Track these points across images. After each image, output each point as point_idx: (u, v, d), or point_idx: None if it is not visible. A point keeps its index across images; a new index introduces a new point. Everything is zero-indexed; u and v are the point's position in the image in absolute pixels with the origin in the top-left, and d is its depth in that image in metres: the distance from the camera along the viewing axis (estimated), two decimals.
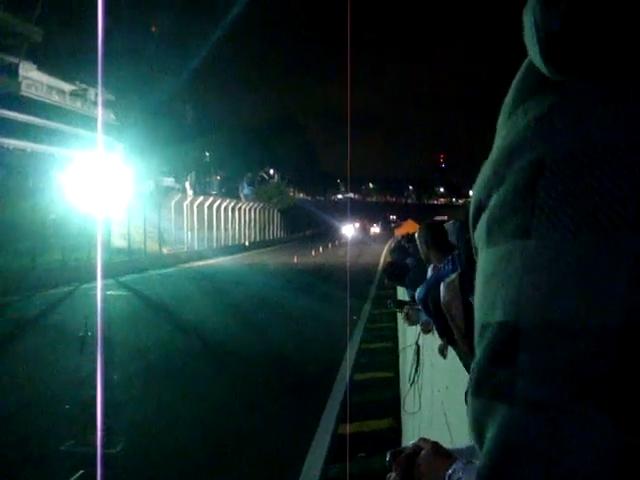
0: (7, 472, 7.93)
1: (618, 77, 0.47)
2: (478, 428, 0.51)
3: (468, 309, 2.50)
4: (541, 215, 0.47)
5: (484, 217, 0.54)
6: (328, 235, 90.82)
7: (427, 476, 1.38)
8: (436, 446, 1.43)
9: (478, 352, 0.52)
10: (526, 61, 0.55)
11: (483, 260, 0.53)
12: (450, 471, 1.33)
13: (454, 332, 2.73)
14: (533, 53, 0.51)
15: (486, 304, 0.51)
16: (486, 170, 0.55)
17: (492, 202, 0.53)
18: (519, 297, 0.47)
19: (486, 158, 0.56)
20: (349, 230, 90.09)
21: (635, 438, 0.43)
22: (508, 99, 0.57)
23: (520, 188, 0.50)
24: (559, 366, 0.45)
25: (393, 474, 1.44)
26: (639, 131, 0.46)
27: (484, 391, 0.50)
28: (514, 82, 0.57)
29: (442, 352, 3.90)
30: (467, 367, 2.83)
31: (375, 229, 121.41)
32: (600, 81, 0.48)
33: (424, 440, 1.46)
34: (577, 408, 0.44)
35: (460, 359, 3.26)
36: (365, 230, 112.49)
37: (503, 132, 0.55)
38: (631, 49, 0.46)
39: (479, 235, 0.55)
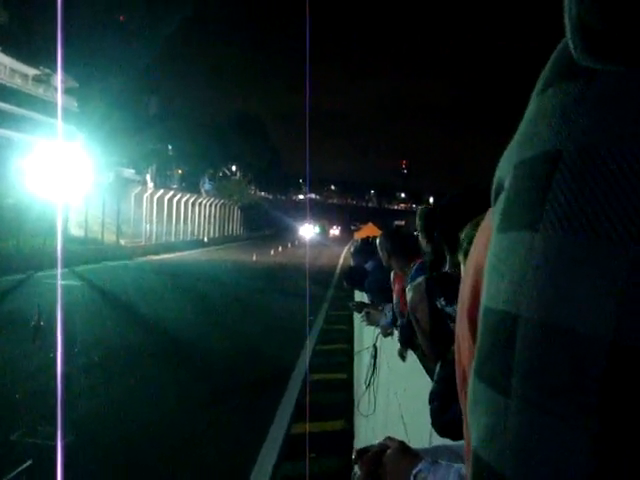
0: None
1: None
2: (473, 407, 0.51)
3: (434, 313, 2.54)
4: (551, 210, 0.46)
5: (501, 199, 0.53)
6: (288, 234, 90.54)
7: (393, 475, 1.41)
8: (402, 445, 1.46)
9: (480, 333, 0.51)
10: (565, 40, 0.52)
11: (493, 244, 0.52)
12: (416, 470, 1.36)
13: (419, 336, 2.77)
14: (567, 35, 0.49)
15: (492, 288, 0.50)
16: (512, 145, 0.54)
17: (507, 184, 0.52)
18: (520, 290, 0.47)
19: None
20: (308, 231, 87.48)
21: (611, 454, 0.42)
22: (545, 72, 0.54)
23: (535, 177, 0.48)
24: (551, 366, 0.45)
25: (358, 472, 1.47)
26: None
27: (484, 375, 0.50)
28: (552, 56, 0.54)
29: (402, 355, 3.94)
30: (428, 370, 2.88)
31: (335, 231, 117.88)
32: (633, 73, 0.46)
33: (391, 439, 1.49)
34: (563, 411, 0.44)
35: (420, 361, 3.30)
36: (325, 232, 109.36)
37: (532, 107, 0.53)
38: None
39: (494, 216, 0.54)
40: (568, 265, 0.45)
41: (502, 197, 0.53)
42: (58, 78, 49.46)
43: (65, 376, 11.02)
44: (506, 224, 0.51)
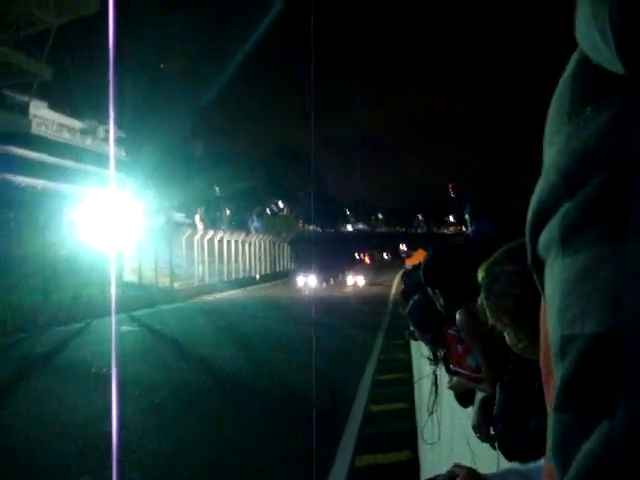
0: None
1: None
2: (565, 443, 0.48)
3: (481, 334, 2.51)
4: (636, 216, 0.45)
5: (554, 226, 0.51)
6: (338, 267, 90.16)
7: None
8: (472, 472, 1.41)
9: (562, 367, 0.49)
10: (578, 56, 0.52)
11: (560, 270, 0.50)
12: None
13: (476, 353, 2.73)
14: (601, 52, 0.48)
15: (570, 315, 0.48)
16: (549, 177, 0.53)
17: (566, 209, 0.50)
18: (618, 304, 0.44)
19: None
20: (310, 281, 56.74)
21: None
22: (563, 99, 0.53)
23: (608, 190, 0.47)
24: None
25: None
26: None
27: (575, 406, 0.47)
28: (567, 78, 0.53)
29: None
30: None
31: (357, 278, 65.01)
32: None
33: (459, 466, 1.44)
34: None
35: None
36: (340, 281, 65.90)
37: (563, 134, 0.52)
38: None
39: (548, 245, 0.52)
40: None
41: (553, 225, 0.52)
42: (110, 129, 50.56)
43: (128, 419, 11.11)
44: (575, 245, 0.49)
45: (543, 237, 0.53)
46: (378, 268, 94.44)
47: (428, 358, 5.72)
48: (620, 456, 0.43)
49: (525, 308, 1.61)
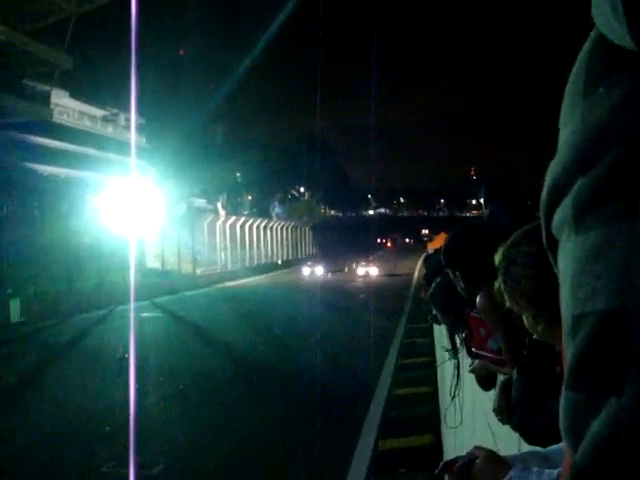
0: None
1: None
2: (575, 422, 0.48)
3: (502, 317, 2.48)
4: None
5: (567, 204, 0.51)
6: (360, 251, 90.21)
7: None
8: (491, 454, 1.39)
9: (573, 345, 0.49)
10: (594, 36, 0.52)
11: (572, 248, 0.50)
12: (506, 478, 1.29)
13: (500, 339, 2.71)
14: (615, 28, 0.47)
15: (582, 293, 0.48)
16: (563, 156, 0.52)
17: (578, 187, 0.50)
18: (627, 282, 0.44)
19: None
20: (330, 267, 55.68)
21: None
22: (577, 81, 0.53)
23: (619, 168, 0.47)
24: None
25: None
26: None
27: (585, 384, 0.47)
28: (583, 59, 0.53)
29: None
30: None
31: (369, 268, 56.11)
32: None
33: (479, 448, 1.43)
34: None
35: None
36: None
37: (578, 114, 0.52)
38: None
39: (561, 223, 0.52)
40: None
41: (566, 204, 0.51)
42: (132, 117, 50.76)
43: (152, 406, 11.19)
44: (587, 223, 0.49)
45: (557, 216, 0.53)
46: (400, 253, 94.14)
47: (447, 350, 5.68)
48: (627, 435, 0.42)
49: (542, 290, 1.57)
